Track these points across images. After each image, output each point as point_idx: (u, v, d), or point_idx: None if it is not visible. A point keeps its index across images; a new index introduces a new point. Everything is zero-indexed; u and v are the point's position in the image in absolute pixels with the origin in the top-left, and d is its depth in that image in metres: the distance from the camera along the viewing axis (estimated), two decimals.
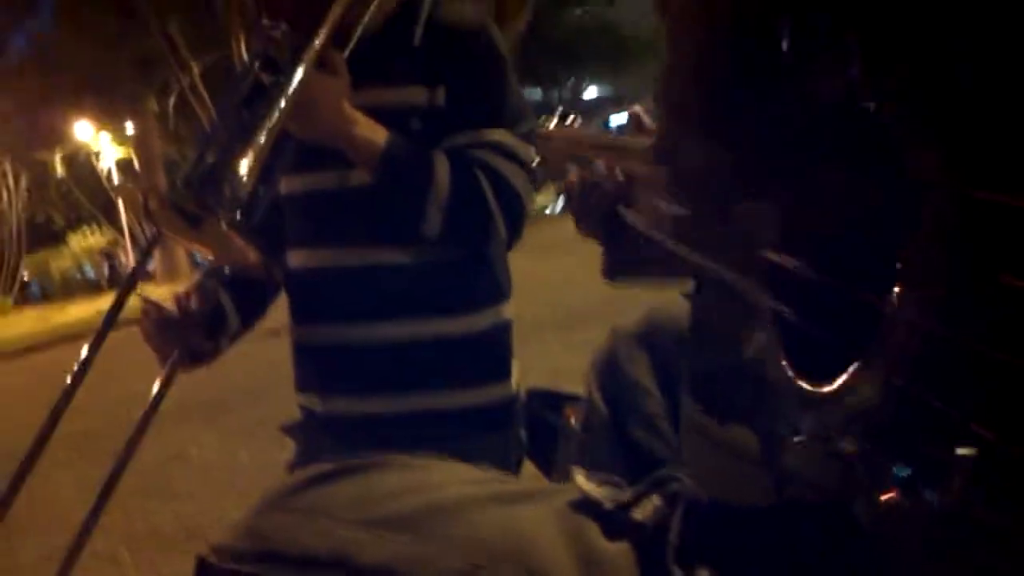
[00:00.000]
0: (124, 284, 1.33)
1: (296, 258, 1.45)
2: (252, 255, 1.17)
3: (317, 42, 1.22)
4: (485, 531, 0.60)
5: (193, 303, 1.34)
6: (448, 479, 0.69)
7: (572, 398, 1.59)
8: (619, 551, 0.59)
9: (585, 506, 0.63)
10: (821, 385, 0.45)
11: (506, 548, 0.59)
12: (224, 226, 1.09)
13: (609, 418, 0.92)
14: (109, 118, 22.44)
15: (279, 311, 1.66)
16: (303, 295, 1.47)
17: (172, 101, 20.84)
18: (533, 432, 1.48)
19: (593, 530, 0.61)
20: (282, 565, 0.62)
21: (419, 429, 1.36)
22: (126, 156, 25.11)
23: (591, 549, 0.59)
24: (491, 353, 1.44)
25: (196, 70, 19.61)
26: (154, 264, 18.81)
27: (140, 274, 1.37)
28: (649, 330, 0.91)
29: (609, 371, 0.95)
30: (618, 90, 28.93)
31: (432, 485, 0.67)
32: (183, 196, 1.14)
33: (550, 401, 1.53)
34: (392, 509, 0.63)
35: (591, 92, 30.23)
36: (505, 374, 1.45)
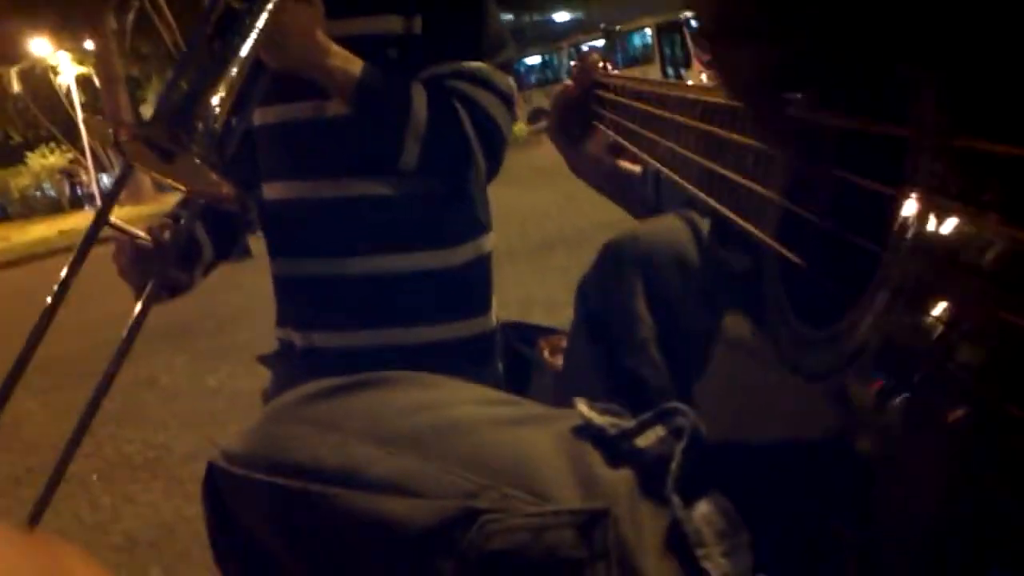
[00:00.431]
0: (97, 215, 1.31)
1: (272, 190, 1.44)
2: (226, 188, 1.16)
3: None
4: (490, 452, 0.61)
5: (167, 235, 1.33)
6: (457, 398, 0.70)
7: (546, 330, 1.61)
8: (620, 477, 0.60)
9: (589, 432, 0.64)
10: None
11: (510, 470, 0.60)
12: (197, 160, 1.08)
13: (598, 343, 0.91)
14: (68, 34, 21.79)
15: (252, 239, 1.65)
16: (279, 228, 1.46)
17: (131, 18, 20.26)
18: (507, 366, 1.49)
19: (595, 456, 0.62)
20: (292, 474, 0.63)
21: (398, 363, 1.36)
22: (86, 73, 24.48)
23: (592, 474, 0.60)
24: (470, 286, 1.44)
25: None
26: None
27: (111, 203, 1.34)
28: (641, 251, 0.90)
29: (597, 294, 0.94)
30: (589, 15, 28.53)
31: (441, 403, 0.68)
32: (155, 131, 1.12)
33: (524, 334, 1.54)
34: (402, 426, 0.64)
35: (562, 16, 29.79)
36: (485, 308, 1.46)
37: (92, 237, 1.29)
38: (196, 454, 3.23)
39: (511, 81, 1.36)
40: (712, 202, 0.66)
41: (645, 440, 0.62)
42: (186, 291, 1.42)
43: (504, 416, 0.67)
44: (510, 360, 1.49)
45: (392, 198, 1.35)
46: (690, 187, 0.73)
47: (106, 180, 25.19)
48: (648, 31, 22.77)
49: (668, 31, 22.35)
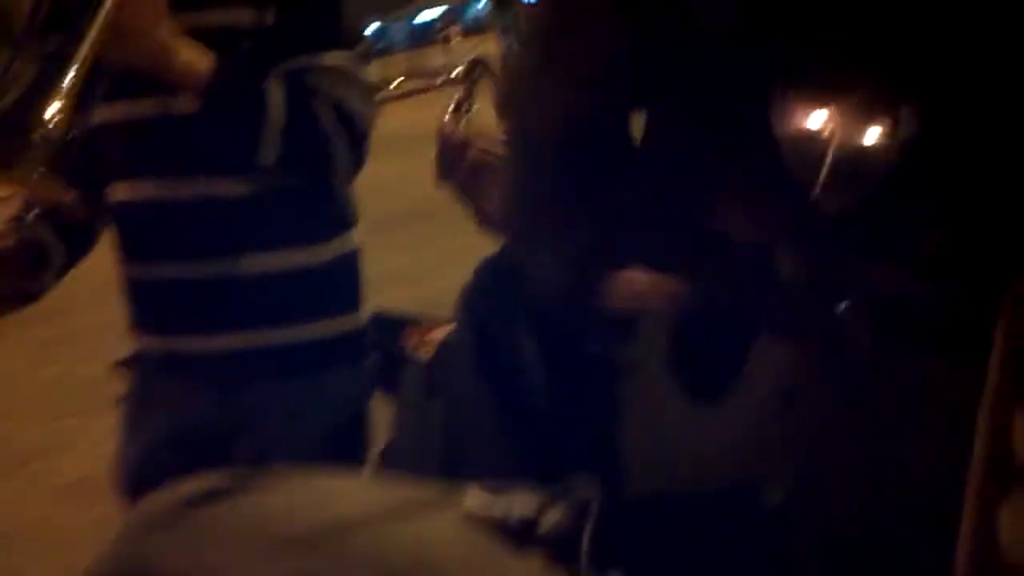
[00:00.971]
0: None
1: (120, 191, 1.37)
2: (66, 194, 1.10)
3: None
4: (389, 550, 0.58)
5: (9, 242, 1.25)
6: (342, 491, 0.66)
7: (411, 321, 1.60)
8: (529, 566, 0.58)
9: (489, 521, 0.61)
10: None
11: (411, 569, 0.57)
12: (37, 169, 1.02)
13: (480, 360, 0.90)
14: None
15: None
16: (131, 230, 1.39)
17: None
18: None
19: (499, 543, 0.59)
20: None
21: (267, 365, 1.34)
22: None
23: (501, 565, 0.58)
24: (339, 284, 1.41)
25: None
26: None
27: None
28: (510, 254, 0.89)
29: (479, 306, 0.93)
30: None
31: (326, 500, 0.63)
32: None
33: (389, 325, 1.53)
34: (291, 528, 0.59)
35: None
36: (355, 305, 1.44)
37: None
38: (37, 450, 3.07)
39: (370, 72, 1.33)
40: None
41: (548, 522, 0.59)
42: (38, 298, 1.35)
43: (396, 506, 0.62)
44: (377, 352, 1.48)
45: (251, 196, 1.31)
46: None
47: None
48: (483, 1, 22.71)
49: (504, 1, 22.33)
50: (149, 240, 1.37)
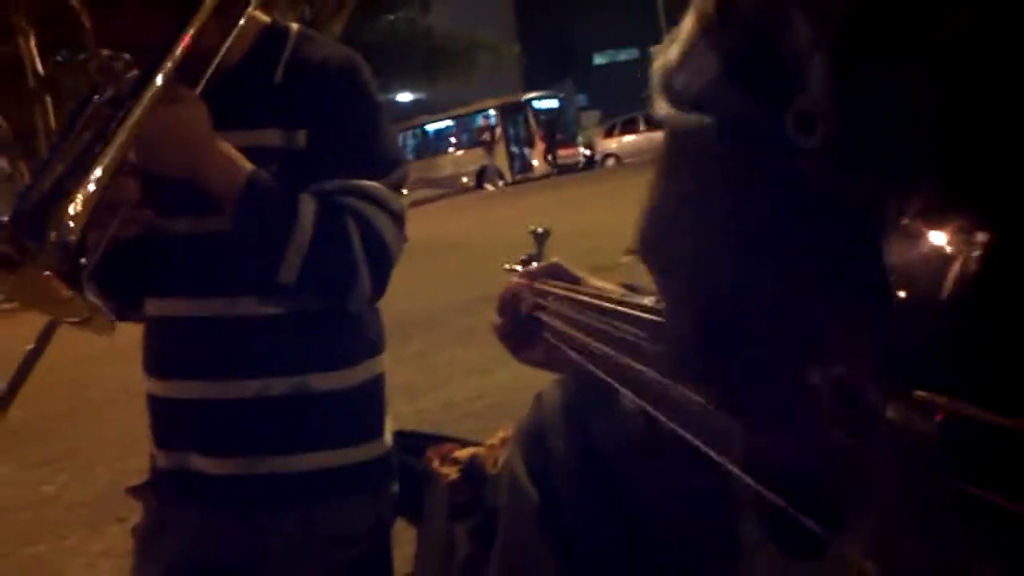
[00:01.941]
0: None
1: (151, 306, 1.33)
2: (85, 307, 1.04)
3: (161, 75, 1.10)
4: None
5: None
6: None
7: (434, 439, 1.54)
8: None
9: None
10: None
11: None
12: (49, 276, 0.97)
13: (539, 506, 0.83)
14: None
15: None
16: (156, 345, 1.34)
17: None
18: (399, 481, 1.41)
19: None
20: None
21: (288, 492, 1.27)
22: None
23: None
24: (363, 410, 1.35)
25: None
26: None
27: None
28: (580, 400, 0.83)
29: (537, 451, 0.86)
30: (433, 96, 29.08)
31: None
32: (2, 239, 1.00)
33: (412, 443, 1.47)
34: None
35: (404, 96, 30.22)
36: (378, 431, 1.37)
37: None
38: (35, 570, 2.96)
39: (403, 201, 1.30)
40: (674, 427, 0.60)
41: None
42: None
43: None
44: (400, 474, 1.42)
45: (278, 317, 1.26)
46: (648, 407, 0.67)
47: None
48: (492, 112, 23.41)
49: (511, 112, 23.04)
50: (176, 358, 1.32)
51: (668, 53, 0.45)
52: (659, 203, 0.46)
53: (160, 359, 1.34)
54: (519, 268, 1.11)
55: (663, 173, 0.46)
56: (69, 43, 18.08)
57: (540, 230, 1.16)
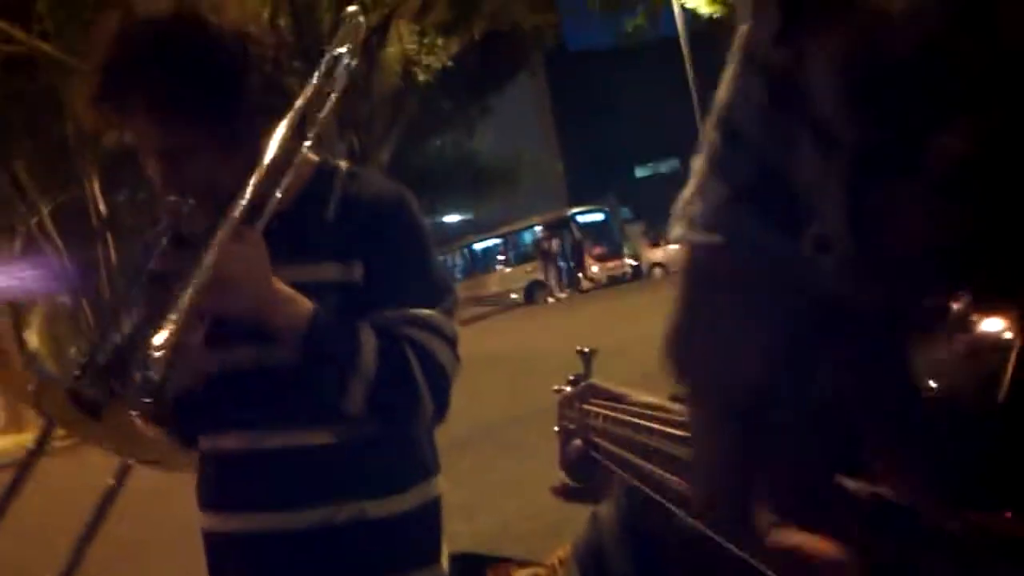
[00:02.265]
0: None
1: (208, 441, 1.36)
2: (159, 451, 1.08)
3: (236, 212, 1.18)
4: None
5: None
6: None
7: (492, 560, 1.54)
8: None
9: None
10: None
11: None
12: (135, 416, 1.02)
13: None
14: None
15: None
16: (217, 480, 1.36)
17: (18, 244, 20.05)
18: None
19: None
20: None
21: None
22: None
23: None
24: (419, 535, 1.36)
25: (45, 210, 19.01)
26: None
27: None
28: (636, 519, 0.83)
29: (596, 570, 0.86)
30: (479, 215, 29.61)
31: None
32: (86, 384, 1.06)
33: (471, 565, 1.47)
34: None
35: (452, 218, 30.82)
36: (435, 557, 1.37)
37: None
38: None
39: (456, 326, 1.34)
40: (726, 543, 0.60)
41: None
42: None
43: None
44: None
45: (338, 446, 1.29)
46: (701, 527, 0.67)
47: None
48: (538, 229, 23.68)
49: (556, 227, 23.29)
50: (233, 490, 1.34)
51: (686, 189, 0.48)
52: (681, 317, 0.48)
53: (218, 493, 1.36)
54: (567, 388, 1.12)
55: (683, 289, 0.48)
56: (129, 183, 18.87)
57: (587, 350, 1.18)
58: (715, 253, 0.46)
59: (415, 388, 1.26)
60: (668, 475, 0.71)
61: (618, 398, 0.95)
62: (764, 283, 0.44)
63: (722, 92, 0.46)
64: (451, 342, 1.31)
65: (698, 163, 0.48)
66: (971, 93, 0.36)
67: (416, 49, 13.30)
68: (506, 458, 5.15)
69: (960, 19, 0.35)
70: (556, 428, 1.10)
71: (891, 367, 0.39)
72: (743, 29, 0.43)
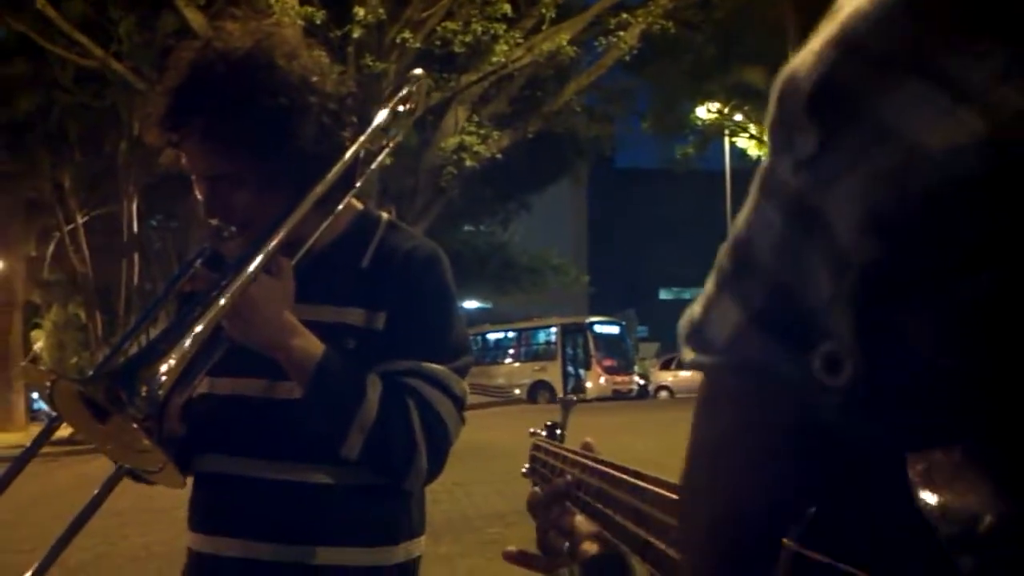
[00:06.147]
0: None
1: (205, 463, 1.37)
2: (155, 461, 1.09)
3: (272, 244, 1.21)
4: None
5: None
6: None
7: None
8: None
9: None
10: None
11: None
12: (133, 425, 1.03)
13: None
14: None
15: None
16: (210, 502, 1.38)
17: (51, 249, 20.33)
18: None
19: None
20: None
21: None
22: None
23: None
24: None
25: (80, 220, 19.31)
26: None
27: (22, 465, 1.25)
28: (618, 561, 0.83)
29: None
30: (497, 307, 29.68)
31: None
32: (95, 386, 1.08)
33: None
34: None
35: (471, 303, 30.92)
36: None
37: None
38: None
39: (466, 386, 1.36)
40: None
41: None
42: None
43: None
44: None
45: (331, 488, 1.30)
46: None
47: None
48: (553, 330, 23.71)
49: (572, 332, 23.30)
50: (224, 515, 1.35)
51: (692, 308, 0.49)
52: (695, 442, 0.48)
53: (209, 515, 1.37)
54: (543, 434, 1.12)
55: (697, 413, 0.49)
56: (164, 210, 19.18)
57: (572, 397, 1.18)
58: (724, 373, 0.47)
59: (413, 441, 1.27)
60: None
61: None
62: (773, 412, 0.45)
63: (739, 219, 0.48)
64: (457, 400, 1.33)
65: (708, 285, 0.49)
66: (997, 242, 0.38)
67: (470, 135, 13.59)
68: (478, 551, 5.07)
69: (1000, 168, 0.36)
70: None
71: (894, 503, 0.40)
72: (764, 161, 0.45)
